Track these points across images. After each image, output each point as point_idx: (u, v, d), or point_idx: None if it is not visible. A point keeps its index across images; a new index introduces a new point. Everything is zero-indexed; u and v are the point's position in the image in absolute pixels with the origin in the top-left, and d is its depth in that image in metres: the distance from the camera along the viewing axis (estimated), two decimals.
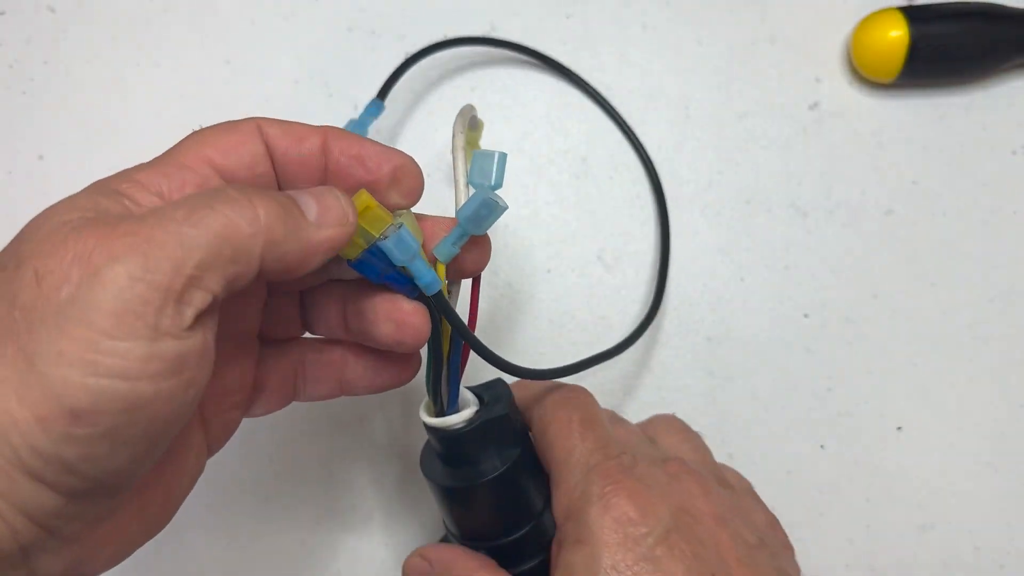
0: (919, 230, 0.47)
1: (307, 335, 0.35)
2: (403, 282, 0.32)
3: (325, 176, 0.30)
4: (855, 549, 0.44)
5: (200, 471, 0.30)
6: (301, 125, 0.30)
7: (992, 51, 0.47)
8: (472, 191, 0.32)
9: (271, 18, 0.48)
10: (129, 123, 0.47)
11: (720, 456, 0.44)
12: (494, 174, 0.31)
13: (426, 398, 0.36)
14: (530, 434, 0.36)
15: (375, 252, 0.30)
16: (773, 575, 0.33)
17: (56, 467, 0.21)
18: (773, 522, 0.35)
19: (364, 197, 0.30)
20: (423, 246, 0.32)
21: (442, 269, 0.33)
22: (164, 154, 0.28)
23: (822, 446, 0.45)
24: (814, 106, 0.48)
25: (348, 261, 0.31)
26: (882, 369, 0.45)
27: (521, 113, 0.47)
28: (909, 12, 0.46)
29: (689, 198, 0.47)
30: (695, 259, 0.46)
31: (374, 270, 0.31)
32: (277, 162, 0.29)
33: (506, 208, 0.32)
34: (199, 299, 0.23)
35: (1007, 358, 0.46)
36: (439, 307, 0.32)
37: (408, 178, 0.30)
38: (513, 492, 0.35)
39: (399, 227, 0.30)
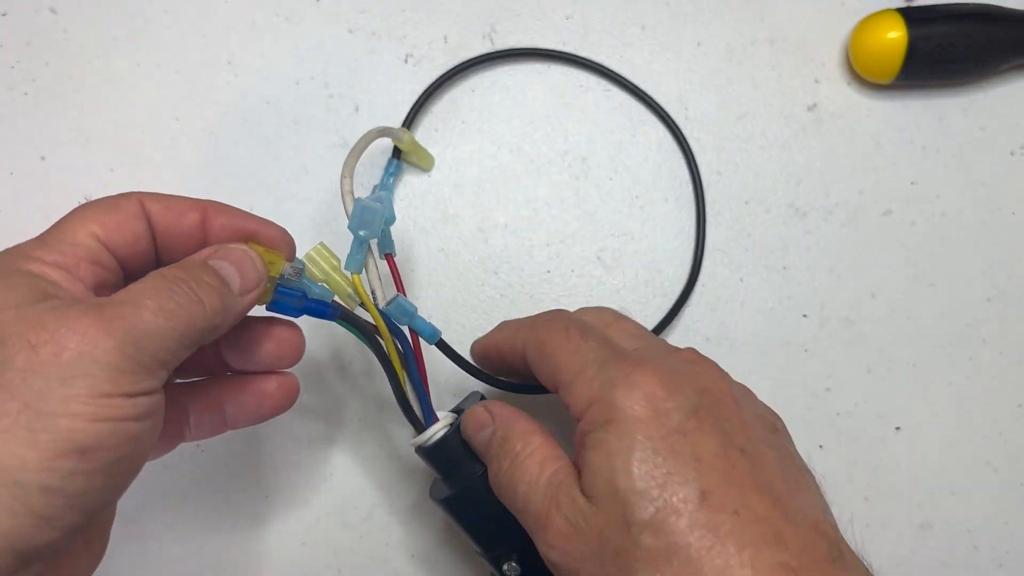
0: (917, 230, 0.47)
1: (179, 380, 0.37)
2: (322, 310, 0.35)
3: (204, 245, 0.34)
4: (854, 548, 0.44)
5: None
6: (181, 200, 0.34)
7: (990, 52, 0.47)
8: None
9: (272, 19, 0.48)
10: (130, 124, 0.47)
11: None
12: (385, 206, 0.36)
13: (412, 431, 0.37)
14: (527, 358, 0.36)
15: (285, 292, 0.34)
16: (794, 459, 0.33)
17: (60, 501, 0.26)
18: (778, 417, 0.35)
19: (258, 249, 0.34)
20: (333, 268, 0.37)
21: (357, 280, 0.36)
22: (53, 230, 0.32)
23: (821, 446, 0.45)
24: (813, 107, 0.48)
25: (265, 306, 0.34)
26: (881, 369, 0.46)
27: (521, 113, 0.47)
28: (907, 13, 0.46)
29: (689, 198, 0.47)
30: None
31: (289, 307, 0.35)
32: (159, 236, 0.33)
33: (382, 211, 0.36)
34: (164, 374, 0.29)
35: (1005, 358, 0.46)
36: (444, 352, 0.37)
37: (283, 248, 0.35)
38: None
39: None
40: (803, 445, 0.44)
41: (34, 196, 0.46)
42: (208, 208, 0.34)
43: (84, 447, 0.26)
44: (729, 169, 0.47)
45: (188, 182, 0.46)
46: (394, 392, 0.37)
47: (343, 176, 0.37)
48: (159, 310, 0.29)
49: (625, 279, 0.46)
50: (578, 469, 0.32)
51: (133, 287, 0.29)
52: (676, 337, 0.46)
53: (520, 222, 0.46)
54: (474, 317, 0.45)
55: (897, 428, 0.45)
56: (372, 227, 0.36)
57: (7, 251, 0.31)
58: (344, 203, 0.37)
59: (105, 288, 0.32)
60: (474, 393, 0.40)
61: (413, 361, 0.37)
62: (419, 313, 0.37)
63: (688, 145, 0.47)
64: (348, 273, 0.36)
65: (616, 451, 0.30)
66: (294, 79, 0.47)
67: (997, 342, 0.46)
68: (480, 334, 0.40)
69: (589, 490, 0.30)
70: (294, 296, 0.35)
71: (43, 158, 0.47)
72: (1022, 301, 0.46)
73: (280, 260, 0.34)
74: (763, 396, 0.45)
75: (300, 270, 0.35)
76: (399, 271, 0.39)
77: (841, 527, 0.32)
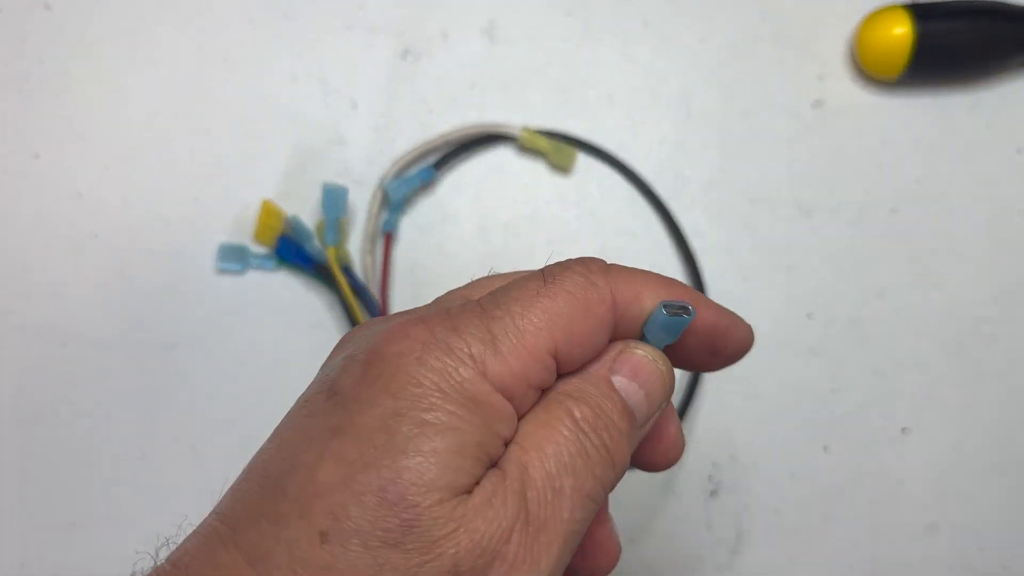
0: (924, 229, 0.46)
1: None
2: (308, 263, 0.44)
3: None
4: (859, 551, 0.44)
5: None
6: (649, 283, 0.25)
7: (997, 49, 0.46)
8: None
9: (269, 16, 0.47)
10: (126, 121, 0.46)
11: (724, 458, 0.44)
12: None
13: None
14: None
15: (285, 241, 0.44)
16: None
17: None
18: None
19: (268, 206, 0.43)
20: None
21: (331, 251, 0.43)
22: (512, 328, 0.22)
23: (826, 448, 0.44)
24: (818, 104, 0.47)
25: (276, 251, 0.44)
26: (886, 370, 0.45)
27: (521, 112, 0.47)
28: (914, 9, 0.45)
29: (692, 197, 0.46)
30: (697, 258, 0.46)
31: (287, 253, 0.44)
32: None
33: (345, 193, 0.44)
34: None
35: (1012, 358, 0.45)
36: None
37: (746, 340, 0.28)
38: None
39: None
40: (808, 447, 0.44)
41: (28, 195, 0.46)
42: (670, 289, 0.25)
43: None
44: (733, 167, 0.47)
45: (184, 181, 0.46)
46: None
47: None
48: (576, 494, 0.21)
49: None
50: None
51: (545, 450, 0.21)
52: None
53: (520, 221, 0.46)
54: None
55: (903, 430, 0.45)
56: (339, 207, 0.44)
57: (450, 321, 0.22)
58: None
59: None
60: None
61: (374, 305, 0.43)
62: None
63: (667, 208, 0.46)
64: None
65: None
66: (291, 75, 0.47)
67: (1004, 342, 0.46)
68: None
69: None
70: (293, 244, 0.44)
71: (37, 156, 0.46)
72: None
73: (284, 214, 0.44)
74: (767, 397, 0.45)
75: (299, 224, 0.44)
76: (390, 252, 0.45)
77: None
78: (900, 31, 0.45)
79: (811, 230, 0.46)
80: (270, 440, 0.22)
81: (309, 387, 0.23)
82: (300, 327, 0.45)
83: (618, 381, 0.23)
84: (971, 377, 0.45)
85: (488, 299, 0.23)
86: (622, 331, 0.24)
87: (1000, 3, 0.46)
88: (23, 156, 0.46)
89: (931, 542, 0.44)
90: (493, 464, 0.21)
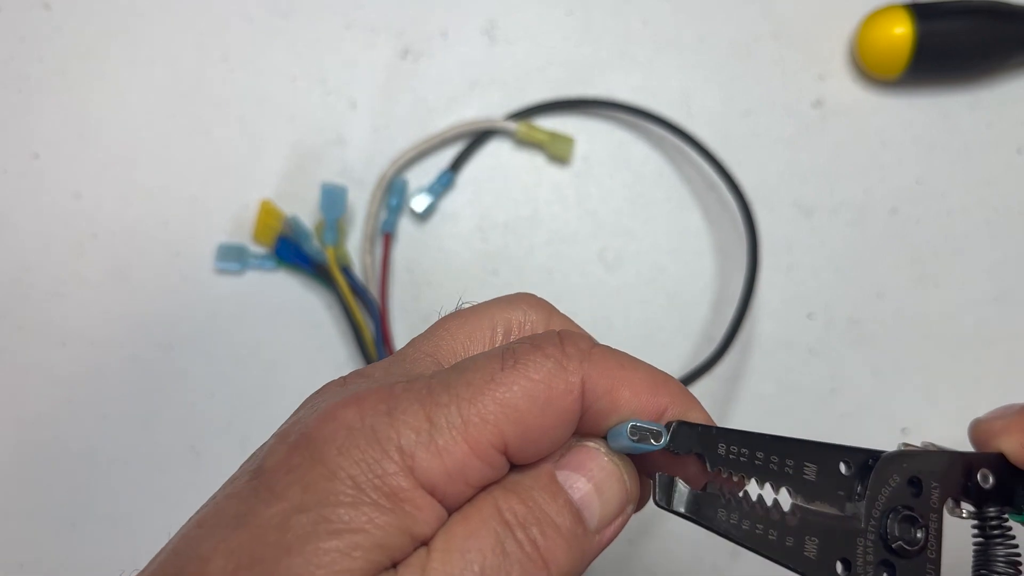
0: (924, 229, 0.46)
1: None
2: (307, 263, 0.44)
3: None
4: None
5: None
6: (635, 378, 0.22)
7: (998, 49, 0.46)
8: None
9: (268, 15, 0.47)
10: (124, 121, 0.46)
11: None
12: None
13: None
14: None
15: (284, 242, 0.44)
16: None
17: None
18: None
19: (267, 206, 0.44)
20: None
21: (331, 251, 0.43)
22: (455, 416, 0.20)
23: None
24: (817, 104, 0.47)
25: (275, 251, 0.44)
26: (887, 370, 0.45)
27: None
28: (914, 9, 0.45)
29: (691, 197, 0.46)
30: (697, 258, 0.46)
31: (286, 253, 0.44)
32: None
33: (344, 192, 0.44)
34: None
35: (1012, 359, 0.45)
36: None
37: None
38: None
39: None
40: None
41: (27, 194, 0.46)
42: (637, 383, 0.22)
43: None
44: (733, 166, 0.46)
45: (183, 181, 0.46)
46: (351, 325, 0.43)
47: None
48: None
49: (627, 278, 0.45)
50: None
51: (451, 549, 0.19)
52: (679, 337, 0.45)
53: (520, 222, 0.46)
54: None
55: (903, 430, 0.45)
56: (338, 207, 0.44)
57: (387, 403, 0.20)
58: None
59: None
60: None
61: (377, 316, 0.43)
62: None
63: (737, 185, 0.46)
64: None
65: None
66: (290, 75, 0.47)
67: (1003, 342, 0.45)
68: None
69: None
70: (292, 246, 0.44)
71: (36, 156, 0.46)
72: None
73: (282, 214, 0.44)
74: (768, 398, 0.45)
75: (298, 224, 0.44)
76: (389, 252, 0.45)
77: None
78: (900, 31, 0.45)
79: (811, 230, 0.46)
80: (196, 513, 0.22)
81: (249, 457, 0.22)
82: (299, 327, 0.45)
83: (562, 475, 0.21)
84: (971, 377, 0.45)
85: (439, 379, 0.21)
86: (586, 424, 0.22)
87: (1000, 3, 0.46)
88: (22, 156, 0.46)
89: None
90: (394, 566, 0.20)
